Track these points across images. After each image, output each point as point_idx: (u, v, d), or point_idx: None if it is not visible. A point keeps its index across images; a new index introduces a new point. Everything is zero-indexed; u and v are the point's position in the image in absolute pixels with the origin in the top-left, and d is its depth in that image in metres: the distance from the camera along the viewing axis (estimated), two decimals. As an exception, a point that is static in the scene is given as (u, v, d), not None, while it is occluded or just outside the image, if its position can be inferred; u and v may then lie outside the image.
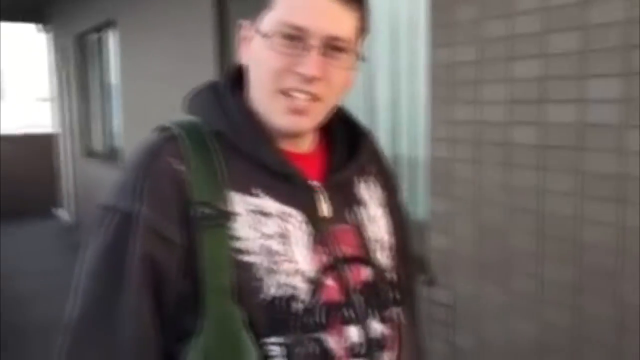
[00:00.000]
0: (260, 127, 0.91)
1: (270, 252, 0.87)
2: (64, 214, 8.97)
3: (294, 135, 0.94)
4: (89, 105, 7.73)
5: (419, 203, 2.78)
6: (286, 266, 0.88)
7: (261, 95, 0.91)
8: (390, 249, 1.03)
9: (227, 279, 0.84)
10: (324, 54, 0.86)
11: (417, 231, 2.45)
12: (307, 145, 0.98)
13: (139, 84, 5.79)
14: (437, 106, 2.56)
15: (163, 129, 0.91)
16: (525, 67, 2.15)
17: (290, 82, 0.87)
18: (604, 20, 1.89)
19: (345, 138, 1.02)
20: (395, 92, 2.96)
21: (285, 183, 0.91)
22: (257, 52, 0.90)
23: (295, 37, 0.85)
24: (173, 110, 1.27)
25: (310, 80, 0.86)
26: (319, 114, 0.91)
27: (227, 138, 0.90)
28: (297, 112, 0.88)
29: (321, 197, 0.94)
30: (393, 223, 1.06)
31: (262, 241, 0.87)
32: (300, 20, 0.85)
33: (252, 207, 0.88)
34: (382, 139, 2.90)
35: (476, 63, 2.35)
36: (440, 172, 2.57)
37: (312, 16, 0.85)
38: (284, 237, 0.89)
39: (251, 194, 0.89)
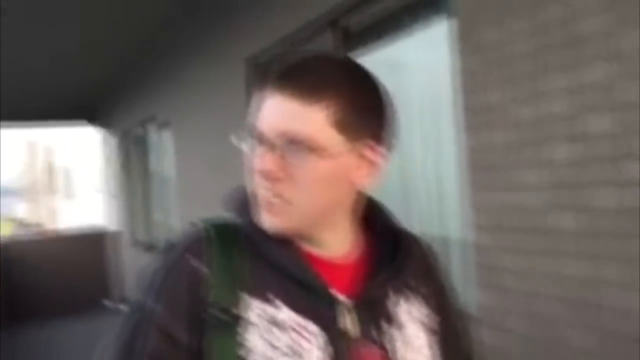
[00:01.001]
0: None
1: None
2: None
3: (296, 235, 0.88)
4: (135, 199, 7.91)
5: (462, 294, 2.61)
6: None
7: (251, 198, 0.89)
8: None
9: None
10: (286, 155, 0.83)
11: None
12: (336, 251, 0.90)
13: (191, 176, 5.95)
14: (477, 192, 2.44)
15: (193, 225, 0.90)
16: (561, 149, 2.03)
17: (257, 181, 0.86)
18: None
19: (390, 247, 0.92)
20: (428, 179, 2.87)
21: (305, 292, 0.85)
22: (245, 157, 0.90)
23: (257, 138, 0.86)
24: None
25: (264, 175, 0.84)
26: (291, 215, 0.85)
27: (251, 240, 0.87)
28: (266, 209, 0.85)
29: (345, 311, 0.86)
30: (446, 352, 0.94)
31: (270, 354, 0.82)
32: (259, 121, 0.86)
33: (267, 316, 0.83)
34: (418, 226, 2.78)
35: (510, 146, 2.24)
36: (485, 262, 2.41)
37: (267, 117, 0.85)
38: (295, 353, 0.82)
39: (268, 301, 0.84)
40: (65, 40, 5.72)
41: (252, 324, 0.82)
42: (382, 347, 0.87)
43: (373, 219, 0.96)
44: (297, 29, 3.67)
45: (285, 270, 0.85)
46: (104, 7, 4.88)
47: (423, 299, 0.95)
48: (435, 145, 2.82)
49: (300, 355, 0.82)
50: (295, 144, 0.82)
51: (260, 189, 0.85)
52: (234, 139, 0.91)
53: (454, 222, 2.72)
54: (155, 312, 0.83)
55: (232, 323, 0.82)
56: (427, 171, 2.90)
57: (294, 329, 0.83)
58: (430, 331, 0.94)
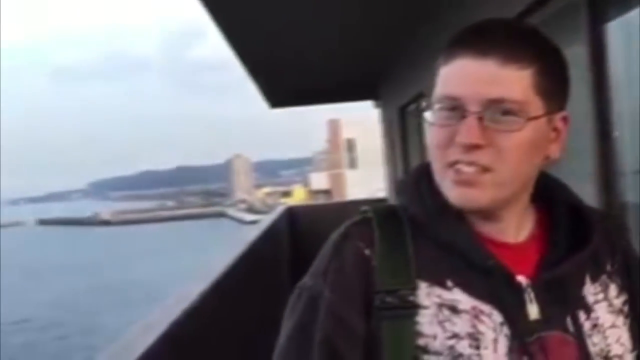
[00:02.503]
0: (455, 211, 0.83)
1: (456, 355, 0.78)
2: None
3: (478, 213, 0.84)
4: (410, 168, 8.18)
5: None
6: None
7: (436, 173, 0.85)
8: None
9: None
10: (487, 120, 0.79)
11: None
12: (514, 231, 0.86)
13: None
14: None
15: (361, 212, 0.89)
16: None
17: (453, 155, 0.81)
18: None
19: (569, 225, 0.87)
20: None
21: (483, 276, 0.81)
22: (429, 130, 0.86)
23: (453, 107, 0.81)
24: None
25: (469, 148, 0.79)
26: (491, 185, 0.80)
27: (421, 223, 0.85)
28: (464, 184, 0.80)
29: (529, 297, 0.81)
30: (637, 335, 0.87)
31: (449, 342, 0.78)
32: (455, 90, 0.81)
33: (440, 301, 0.80)
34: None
35: None
36: None
37: (464, 83, 0.80)
38: (474, 339, 0.79)
39: (442, 286, 0.81)
40: (350, 28, 6.13)
41: (427, 308, 0.80)
42: (570, 333, 0.82)
43: (548, 196, 0.90)
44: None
45: (457, 251, 0.82)
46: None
47: (609, 278, 0.88)
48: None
49: (479, 340, 0.79)
50: (497, 109, 0.78)
51: (459, 164, 0.80)
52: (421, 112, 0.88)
53: None
54: (325, 297, 0.82)
55: (406, 309, 0.79)
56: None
57: (471, 314, 0.80)
58: (617, 312, 0.86)
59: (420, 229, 0.84)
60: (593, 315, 0.84)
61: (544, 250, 0.86)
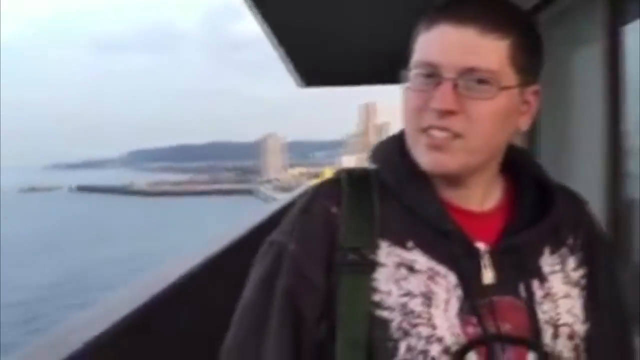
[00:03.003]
0: (422, 176, 0.86)
1: (408, 312, 0.80)
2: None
3: (445, 178, 0.86)
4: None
5: None
6: (422, 330, 0.80)
7: (408, 137, 0.87)
8: (576, 337, 0.85)
9: (362, 333, 0.79)
10: (461, 87, 0.80)
11: None
12: (479, 200, 0.88)
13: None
14: None
15: (335, 173, 0.92)
16: None
17: (427, 120, 0.82)
18: None
19: (536, 199, 0.89)
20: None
21: (443, 240, 0.83)
22: (404, 96, 0.86)
23: (429, 74, 0.82)
24: None
25: (442, 114, 0.80)
26: (461, 151, 0.82)
27: (389, 186, 0.87)
28: (435, 148, 0.82)
29: (485, 262, 0.83)
30: (596, 308, 0.88)
31: (402, 299, 0.81)
32: (432, 56, 0.82)
33: (399, 260, 0.82)
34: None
35: None
36: None
37: (443, 50, 0.81)
38: (427, 297, 0.81)
39: (401, 246, 0.83)
40: (392, 8, 6.05)
41: (384, 266, 0.82)
42: (522, 299, 0.83)
43: (517, 169, 0.92)
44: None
45: (420, 215, 0.84)
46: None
47: (572, 249, 0.89)
48: None
49: (431, 299, 0.81)
50: (472, 77, 0.80)
51: (432, 129, 0.82)
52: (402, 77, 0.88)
53: None
54: (289, 250, 0.85)
55: (364, 265, 0.81)
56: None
57: (427, 275, 0.82)
58: (573, 283, 0.88)
59: (388, 192, 0.86)
60: (547, 285, 0.85)
61: (504, 218, 0.88)
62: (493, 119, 0.81)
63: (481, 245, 0.84)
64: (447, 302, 0.81)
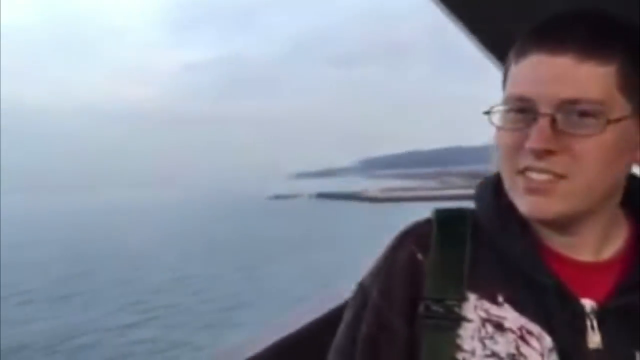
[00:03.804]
0: (520, 222, 0.78)
1: None
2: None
3: (549, 225, 0.77)
4: None
5: None
6: None
7: (505, 179, 0.78)
8: None
9: None
10: (561, 123, 0.71)
11: None
12: (592, 248, 0.78)
13: None
14: None
15: (432, 212, 0.85)
16: None
17: (523, 161, 0.74)
18: None
19: None
20: None
21: (540, 294, 0.75)
22: (496, 136, 0.78)
23: (523, 109, 0.74)
24: None
25: (540, 154, 0.71)
26: (565, 195, 0.72)
27: (484, 230, 0.81)
28: (535, 192, 0.73)
29: (591, 323, 0.74)
30: None
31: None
32: (525, 89, 0.73)
33: (487, 316, 0.76)
34: None
35: None
36: None
37: (537, 82, 0.72)
38: None
39: (492, 300, 0.76)
40: None
41: (471, 322, 0.75)
42: None
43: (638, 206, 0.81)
44: None
45: (515, 265, 0.77)
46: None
47: None
48: None
49: None
50: (573, 111, 0.70)
51: (530, 171, 0.73)
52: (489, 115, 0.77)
53: None
54: (372, 297, 0.81)
55: (449, 320, 0.75)
56: None
57: (516, 334, 0.74)
58: None
59: (483, 237, 0.80)
60: None
61: (620, 269, 0.77)
62: (601, 156, 0.71)
63: (588, 303, 0.74)
64: None
